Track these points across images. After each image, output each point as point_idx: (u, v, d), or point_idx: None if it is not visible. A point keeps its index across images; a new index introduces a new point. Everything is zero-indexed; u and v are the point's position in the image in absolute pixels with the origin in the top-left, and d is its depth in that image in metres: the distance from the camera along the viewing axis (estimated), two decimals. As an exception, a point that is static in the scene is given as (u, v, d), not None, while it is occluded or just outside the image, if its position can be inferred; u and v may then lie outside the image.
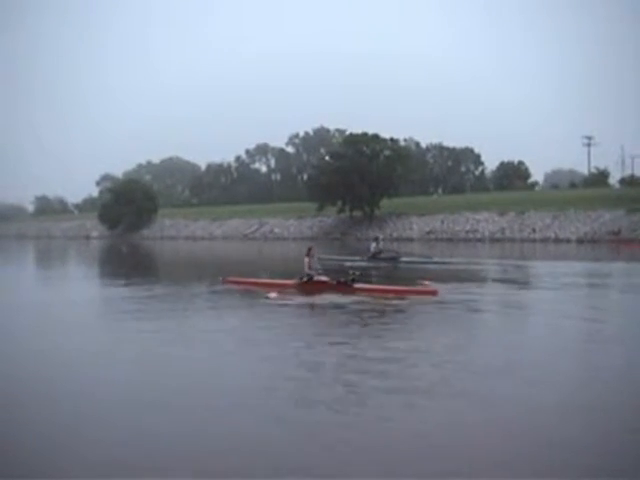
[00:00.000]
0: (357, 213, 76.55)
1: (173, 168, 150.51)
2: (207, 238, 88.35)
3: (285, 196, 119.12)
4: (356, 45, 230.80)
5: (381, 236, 42.05)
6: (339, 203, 75.53)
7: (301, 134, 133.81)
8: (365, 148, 74.14)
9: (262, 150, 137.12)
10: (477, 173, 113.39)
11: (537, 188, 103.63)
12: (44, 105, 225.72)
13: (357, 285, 18.07)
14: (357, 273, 18.61)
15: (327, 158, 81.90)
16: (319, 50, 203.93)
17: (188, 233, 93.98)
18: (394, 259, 33.03)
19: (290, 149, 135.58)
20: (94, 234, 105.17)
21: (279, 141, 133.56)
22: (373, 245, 34.05)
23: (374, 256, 33.13)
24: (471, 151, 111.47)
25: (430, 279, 20.44)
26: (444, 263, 31.69)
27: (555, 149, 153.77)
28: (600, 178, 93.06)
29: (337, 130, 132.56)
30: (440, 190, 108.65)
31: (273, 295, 17.36)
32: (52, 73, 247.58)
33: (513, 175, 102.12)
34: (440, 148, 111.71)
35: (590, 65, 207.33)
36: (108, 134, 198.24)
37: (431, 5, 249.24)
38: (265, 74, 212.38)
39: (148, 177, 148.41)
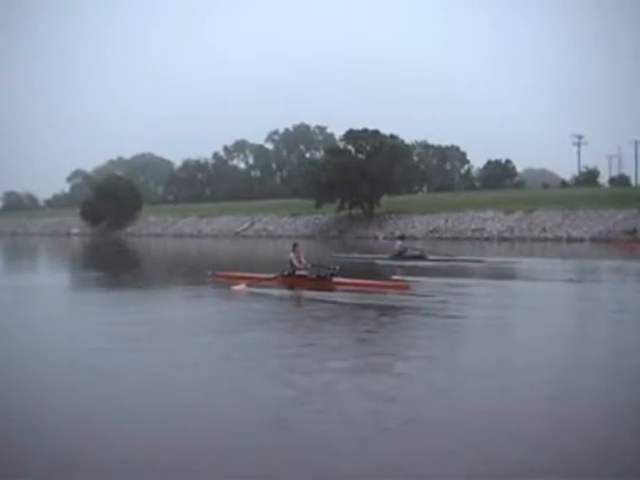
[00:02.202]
0: (356, 211, 75.00)
1: (146, 164, 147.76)
2: (196, 236, 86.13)
3: (265, 193, 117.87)
4: (342, 48, 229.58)
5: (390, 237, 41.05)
6: (338, 200, 73.82)
7: (281, 131, 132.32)
8: (365, 144, 72.58)
9: (240, 147, 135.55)
10: (463, 171, 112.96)
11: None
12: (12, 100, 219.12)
13: (336, 279, 18.78)
14: (337, 268, 19.20)
15: (318, 156, 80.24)
16: (304, 53, 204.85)
17: (175, 230, 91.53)
18: (420, 257, 32.33)
19: (269, 145, 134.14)
20: (75, 231, 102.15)
21: (258, 138, 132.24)
22: (398, 243, 33.78)
23: (399, 254, 32.75)
24: (457, 149, 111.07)
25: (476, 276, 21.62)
26: (470, 261, 31.06)
27: (535, 149, 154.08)
28: (590, 177, 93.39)
29: (317, 127, 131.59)
30: (425, 188, 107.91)
31: (238, 288, 18.10)
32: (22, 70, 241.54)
33: (502, 174, 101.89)
34: (425, 146, 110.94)
35: (579, 65, 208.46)
36: (76, 130, 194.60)
37: (419, 6, 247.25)
38: (248, 75, 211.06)
39: (119, 173, 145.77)
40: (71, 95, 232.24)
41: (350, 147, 74.13)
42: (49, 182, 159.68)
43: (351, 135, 73.52)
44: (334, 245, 54.06)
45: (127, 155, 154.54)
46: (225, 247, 57.43)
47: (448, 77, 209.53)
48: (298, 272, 19.37)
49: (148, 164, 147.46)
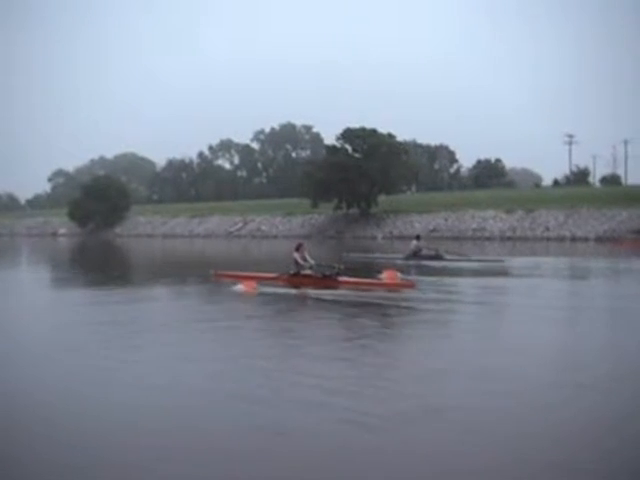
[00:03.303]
0: (353, 210, 74.30)
1: (128, 164, 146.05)
2: (187, 236, 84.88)
3: (252, 192, 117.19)
4: (327, 50, 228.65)
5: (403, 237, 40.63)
6: (335, 200, 73.07)
7: (267, 130, 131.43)
8: (363, 143, 71.88)
9: (226, 146, 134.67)
10: (452, 171, 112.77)
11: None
12: None
13: (341, 278, 18.99)
14: (342, 267, 19.55)
15: (304, 155, 79.43)
16: (290, 54, 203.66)
17: (166, 230, 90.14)
18: (436, 257, 31.84)
19: (255, 145, 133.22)
20: (62, 231, 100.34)
21: (244, 138, 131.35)
22: (414, 243, 33.44)
23: (415, 254, 32.40)
24: (446, 148, 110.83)
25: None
26: (490, 261, 30.72)
27: (516, 148, 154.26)
28: (581, 176, 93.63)
29: (304, 126, 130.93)
30: (414, 188, 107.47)
31: (248, 287, 18.02)
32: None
33: (492, 173, 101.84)
34: (414, 145, 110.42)
35: (566, 65, 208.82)
36: (55, 129, 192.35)
37: (407, 5, 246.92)
38: (233, 75, 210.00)
39: (101, 173, 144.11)
40: (50, 94, 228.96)
41: (347, 146, 73.33)
42: (29, 182, 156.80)
43: (348, 134, 72.73)
44: (332, 245, 53.66)
45: (109, 155, 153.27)
46: (221, 247, 56.52)
47: (436, 78, 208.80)
48: (303, 271, 19.53)
49: (130, 164, 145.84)
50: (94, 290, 20.49)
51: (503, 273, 24.63)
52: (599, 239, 55.01)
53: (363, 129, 72.41)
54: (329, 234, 71.75)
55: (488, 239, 60.33)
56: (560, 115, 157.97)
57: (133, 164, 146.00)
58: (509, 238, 60.10)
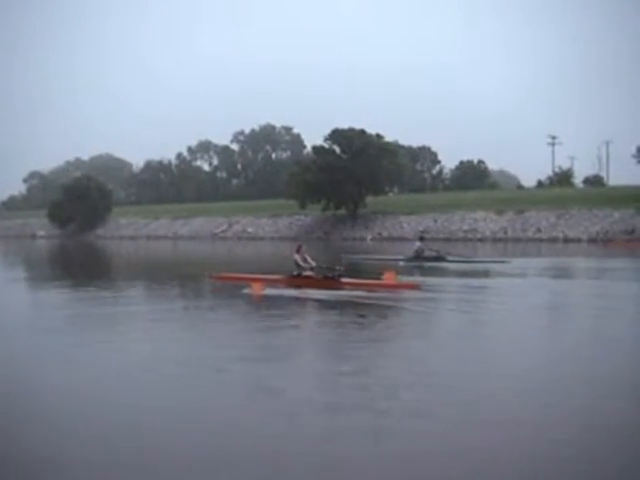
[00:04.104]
0: (340, 211, 73.72)
1: (104, 166, 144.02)
2: (171, 237, 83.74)
3: (232, 193, 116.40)
4: (311, 54, 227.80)
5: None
6: (323, 201, 72.43)
7: (247, 131, 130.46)
8: (351, 144, 71.30)
9: (204, 147, 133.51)
10: (434, 172, 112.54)
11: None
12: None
13: (344, 280, 18.96)
14: (342, 268, 19.56)
15: (284, 156, 78.76)
16: (270, 57, 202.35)
17: (149, 232, 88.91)
18: (438, 258, 31.61)
19: (235, 146, 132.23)
20: (41, 233, 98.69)
21: (223, 139, 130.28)
22: (417, 244, 33.19)
23: (417, 255, 32.08)
24: (428, 149, 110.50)
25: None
26: (494, 262, 30.29)
27: (493, 150, 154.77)
28: (564, 177, 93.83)
29: (284, 127, 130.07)
30: (396, 189, 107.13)
31: (255, 290, 17.81)
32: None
33: (475, 174, 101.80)
34: (396, 146, 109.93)
35: (548, 67, 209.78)
36: (28, 130, 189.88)
37: (385, 10, 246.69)
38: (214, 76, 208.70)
39: (77, 174, 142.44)
40: (22, 94, 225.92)
41: (335, 147, 72.77)
42: (3, 183, 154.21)
43: (336, 134, 72.15)
44: (321, 247, 53.21)
45: (84, 156, 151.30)
46: (210, 249, 55.96)
47: (418, 81, 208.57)
48: (304, 273, 19.47)
49: (107, 165, 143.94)
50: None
51: (513, 274, 24.30)
52: (592, 240, 55.07)
53: (351, 129, 71.89)
54: (317, 235, 71.06)
55: (480, 240, 60.13)
56: (539, 117, 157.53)
57: (109, 165, 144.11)
58: (501, 239, 59.97)
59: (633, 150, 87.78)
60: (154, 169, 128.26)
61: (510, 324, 13.37)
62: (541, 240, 57.50)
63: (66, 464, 5.81)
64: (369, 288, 18.58)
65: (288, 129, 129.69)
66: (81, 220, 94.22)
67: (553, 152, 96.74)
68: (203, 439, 6.32)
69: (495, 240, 59.88)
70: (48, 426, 6.83)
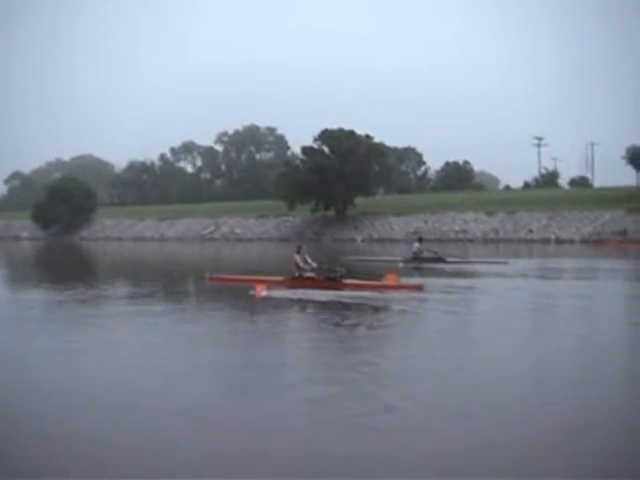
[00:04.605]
0: (330, 212, 73.30)
1: (86, 166, 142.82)
2: (158, 239, 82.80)
3: (216, 194, 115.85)
4: (296, 54, 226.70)
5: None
6: (313, 202, 71.96)
7: (230, 132, 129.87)
8: (340, 144, 70.91)
9: (188, 148, 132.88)
10: (419, 173, 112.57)
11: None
12: None
13: (346, 281, 19.02)
14: (342, 269, 19.49)
15: (268, 157, 78.30)
16: (250, 57, 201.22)
17: (135, 233, 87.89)
18: (438, 260, 31.71)
19: (218, 147, 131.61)
20: (24, 234, 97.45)
21: (207, 140, 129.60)
22: (416, 245, 33.39)
23: (416, 257, 32.16)
24: (413, 150, 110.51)
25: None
26: (495, 263, 30.47)
27: (474, 152, 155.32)
28: (550, 179, 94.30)
29: (267, 128, 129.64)
30: (381, 190, 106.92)
31: (259, 292, 17.82)
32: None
33: (460, 176, 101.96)
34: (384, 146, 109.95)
35: (533, 69, 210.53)
36: (7, 130, 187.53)
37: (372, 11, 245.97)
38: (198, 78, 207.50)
39: (58, 175, 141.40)
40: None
41: (324, 147, 72.41)
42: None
43: (326, 135, 71.78)
44: (311, 249, 52.78)
45: (66, 157, 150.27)
46: (198, 251, 55.64)
47: (403, 83, 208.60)
48: (305, 274, 19.48)
49: (88, 166, 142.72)
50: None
51: (514, 275, 24.51)
52: (584, 241, 55.15)
53: (341, 130, 71.50)
54: (306, 237, 70.56)
55: (471, 241, 60.00)
56: (521, 119, 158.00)
57: (90, 166, 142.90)
58: (492, 240, 59.84)
59: (620, 151, 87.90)
60: (137, 170, 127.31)
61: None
62: (533, 241, 57.48)
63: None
64: (372, 289, 18.66)
65: (272, 130, 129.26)
66: (65, 221, 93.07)
67: (539, 153, 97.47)
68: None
69: (486, 241, 59.79)
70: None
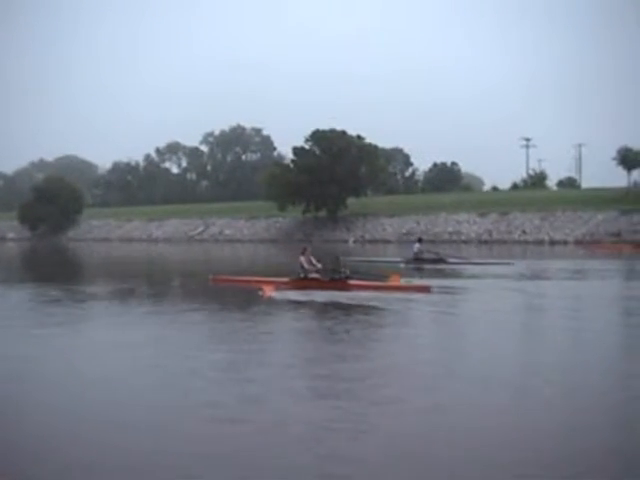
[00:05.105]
0: (321, 213, 72.95)
1: (69, 167, 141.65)
2: (146, 240, 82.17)
3: (202, 195, 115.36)
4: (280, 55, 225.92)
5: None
6: (304, 203, 71.59)
7: (216, 132, 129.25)
8: (332, 145, 70.62)
9: (173, 149, 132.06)
10: (407, 174, 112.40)
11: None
12: None
13: (351, 281, 19.05)
14: (347, 271, 19.39)
15: (255, 158, 77.86)
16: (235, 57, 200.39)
17: (122, 234, 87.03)
18: (439, 261, 31.49)
19: (204, 147, 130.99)
20: (10, 235, 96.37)
21: (192, 140, 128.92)
22: (416, 246, 33.23)
23: (417, 258, 31.94)
24: (400, 151, 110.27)
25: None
26: (499, 264, 30.07)
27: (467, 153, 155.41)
28: (538, 180, 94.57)
29: (254, 129, 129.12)
30: (369, 191, 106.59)
31: (267, 293, 17.87)
32: None
33: (448, 177, 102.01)
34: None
35: (519, 69, 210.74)
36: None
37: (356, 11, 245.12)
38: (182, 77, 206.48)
39: (41, 175, 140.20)
40: None
41: (315, 148, 72.09)
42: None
43: (317, 136, 71.45)
44: (300, 250, 52.53)
45: (49, 157, 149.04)
46: (190, 252, 54.97)
47: (388, 83, 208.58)
48: (310, 275, 19.48)
49: (72, 167, 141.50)
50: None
51: (525, 277, 24.41)
52: (578, 242, 55.17)
53: (332, 131, 71.25)
54: (297, 238, 70.23)
55: (464, 242, 59.89)
56: (508, 121, 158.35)
57: (74, 167, 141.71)
58: (486, 241, 59.81)
59: (607, 153, 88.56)
60: (121, 171, 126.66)
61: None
62: (527, 242, 57.50)
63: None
64: (378, 290, 18.52)
65: (258, 130, 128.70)
66: (52, 222, 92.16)
67: (527, 154, 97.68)
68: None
69: (480, 242, 59.73)
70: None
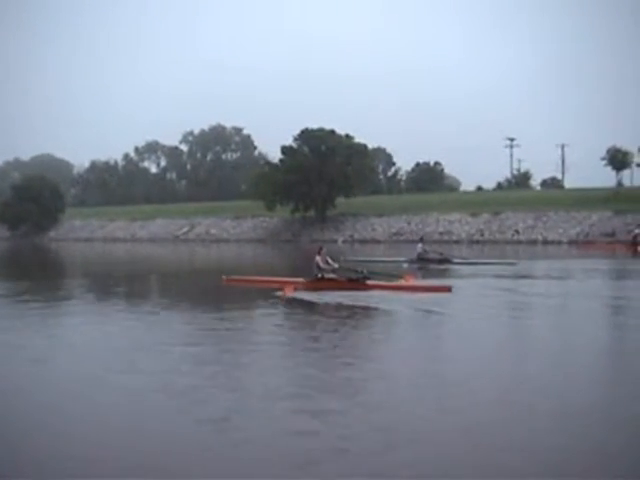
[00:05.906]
0: (309, 213, 72.23)
1: (45, 166, 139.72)
2: (130, 240, 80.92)
3: (181, 195, 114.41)
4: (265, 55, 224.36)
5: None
6: (292, 203, 70.84)
7: (196, 132, 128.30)
8: (320, 144, 69.97)
9: (152, 148, 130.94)
10: (389, 174, 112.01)
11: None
12: None
13: (369, 282, 18.87)
14: (365, 271, 19.27)
15: (235, 157, 77.15)
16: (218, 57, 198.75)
17: (105, 234, 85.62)
18: (444, 261, 31.34)
19: (184, 147, 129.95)
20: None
21: (172, 139, 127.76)
22: (419, 246, 33.15)
23: (420, 258, 31.93)
24: (383, 151, 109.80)
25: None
26: (502, 264, 29.93)
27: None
28: (522, 179, 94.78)
29: (234, 128, 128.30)
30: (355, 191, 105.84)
31: (286, 293, 17.75)
32: None
33: (431, 177, 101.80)
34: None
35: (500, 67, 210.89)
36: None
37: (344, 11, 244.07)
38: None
39: (16, 175, 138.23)
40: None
41: (304, 147, 71.39)
42: None
43: (306, 135, 70.77)
44: (290, 250, 52.77)
45: (24, 156, 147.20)
46: (181, 253, 54.49)
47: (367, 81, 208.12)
48: (327, 275, 19.30)
49: (48, 166, 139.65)
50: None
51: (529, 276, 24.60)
52: (572, 242, 55.02)
53: (321, 130, 70.49)
54: (285, 238, 69.65)
55: (456, 242, 59.37)
56: (491, 122, 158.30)
57: (51, 166, 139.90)
58: (478, 242, 59.46)
59: (592, 154, 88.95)
60: (99, 170, 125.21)
61: None
62: (519, 242, 57.24)
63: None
64: (398, 291, 18.36)
65: (238, 130, 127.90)
66: (33, 221, 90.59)
67: (511, 155, 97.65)
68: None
69: (472, 242, 59.39)
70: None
